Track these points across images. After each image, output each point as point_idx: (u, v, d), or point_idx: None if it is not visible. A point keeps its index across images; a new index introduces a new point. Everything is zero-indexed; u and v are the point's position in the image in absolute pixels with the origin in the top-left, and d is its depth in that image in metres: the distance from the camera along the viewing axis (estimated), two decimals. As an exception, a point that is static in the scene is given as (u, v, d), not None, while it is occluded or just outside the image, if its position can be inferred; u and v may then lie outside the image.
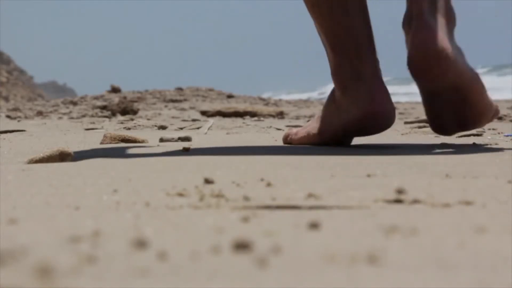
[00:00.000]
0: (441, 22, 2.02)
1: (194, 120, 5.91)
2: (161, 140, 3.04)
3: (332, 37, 2.18)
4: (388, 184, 1.51)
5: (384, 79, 2.17)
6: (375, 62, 2.23)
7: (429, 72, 2.04)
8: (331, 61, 2.24)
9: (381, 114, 2.17)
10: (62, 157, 2.15)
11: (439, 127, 2.37)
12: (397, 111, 7.88)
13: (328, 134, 2.33)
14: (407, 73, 2.08)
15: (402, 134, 3.45)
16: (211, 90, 12.09)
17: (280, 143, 2.90)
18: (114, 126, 4.71)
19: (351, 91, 2.20)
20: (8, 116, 7.04)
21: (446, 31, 2.03)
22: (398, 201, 1.31)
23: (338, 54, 2.21)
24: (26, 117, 7.02)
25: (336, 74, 2.24)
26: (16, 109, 9.18)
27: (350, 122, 2.24)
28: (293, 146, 2.72)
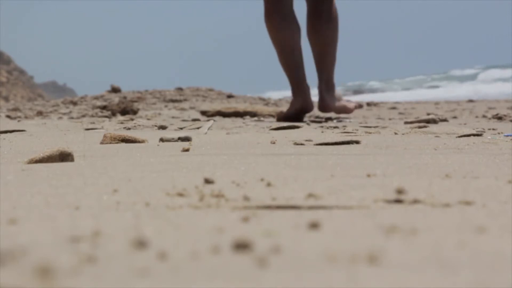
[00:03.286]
0: (330, 93, 5.39)
1: (194, 120, 5.91)
2: (161, 140, 3.05)
3: (288, 76, 5.35)
4: (388, 184, 1.51)
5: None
6: (305, 84, 5.29)
7: (324, 111, 5.48)
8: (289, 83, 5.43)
9: (305, 107, 5.23)
10: (62, 157, 2.15)
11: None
12: (397, 111, 7.90)
13: (290, 114, 5.22)
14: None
15: (402, 134, 3.45)
16: (211, 90, 12.09)
17: (279, 143, 2.90)
18: (114, 126, 4.71)
19: (295, 97, 5.28)
20: (8, 116, 7.03)
21: (331, 97, 5.38)
22: (398, 201, 1.31)
23: (291, 81, 5.32)
24: (26, 117, 7.02)
25: (291, 90, 5.31)
26: (16, 109, 9.18)
27: (295, 109, 5.24)
28: (292, 146, 2.73)
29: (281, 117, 5.31)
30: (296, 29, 5.26)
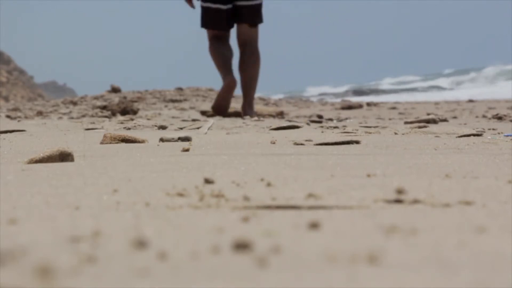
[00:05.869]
0: (251, 110, 7.12)
1: (194, 120, 5.91)
2: (161, 140, 3.05)
3: (221, 72, 7.32)
4: (388, 184, 1.51)
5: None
6: (232, 72, 7.33)
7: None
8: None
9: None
10: (62, 157, 2.15)
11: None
12: (397, 111, 7.89)
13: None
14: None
15: (402, 134, 3.45)
16: (211, 90, 12.09)
17: (279, 143, 2.90)
18: (114, 126, 4.71)
19: (225, 77, 7.17)
20: (8, 116, 7.03)
21: (252, 112, 7.01)
22: (398, 201, 1.31)
23: (222, 74, 7.25)
24: (26, 117, 7.01)
25: (222, 78, 7.24)
26: (16, 109, 9.17)
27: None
28: (292, 146, 2.73)
29: (216, 102, 7.21)
30: (230, 52, 7.47)
